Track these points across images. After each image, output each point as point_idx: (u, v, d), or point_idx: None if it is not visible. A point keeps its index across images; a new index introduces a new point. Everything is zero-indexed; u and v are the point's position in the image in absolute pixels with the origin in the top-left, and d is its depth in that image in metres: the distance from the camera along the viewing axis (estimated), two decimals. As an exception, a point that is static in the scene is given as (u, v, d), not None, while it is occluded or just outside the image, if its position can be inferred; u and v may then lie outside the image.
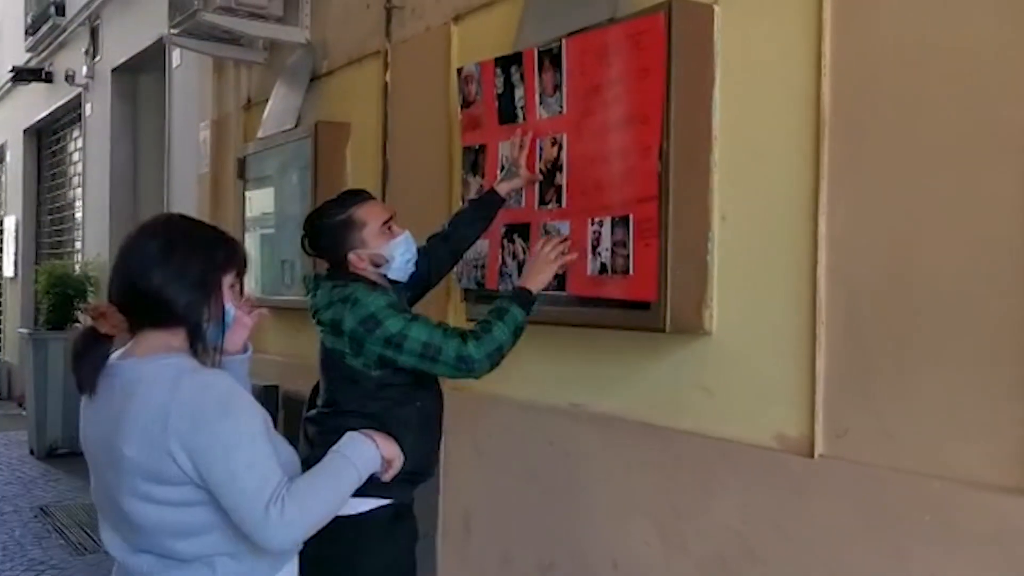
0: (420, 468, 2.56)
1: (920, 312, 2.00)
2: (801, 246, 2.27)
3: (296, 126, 4.61)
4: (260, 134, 4.96)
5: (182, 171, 6.55)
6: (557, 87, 2.83)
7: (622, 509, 2.74)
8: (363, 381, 2.55)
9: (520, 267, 2.95)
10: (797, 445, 2.27)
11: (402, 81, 3.98)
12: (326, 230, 2.61)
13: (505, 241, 3.02)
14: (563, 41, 2.79)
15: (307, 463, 2.33)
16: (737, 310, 2.45)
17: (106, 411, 1.80)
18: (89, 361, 1.81)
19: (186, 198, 6.29)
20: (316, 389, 2.76)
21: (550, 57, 2.84)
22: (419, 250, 2.73)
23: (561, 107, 2.82)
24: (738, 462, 2.40)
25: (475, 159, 3.20)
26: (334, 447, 1.97)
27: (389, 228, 2.62)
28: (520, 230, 2.96)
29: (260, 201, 5.09)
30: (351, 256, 2.61)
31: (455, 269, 3.10)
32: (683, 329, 2.47)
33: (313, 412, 2.70)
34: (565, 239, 2.69)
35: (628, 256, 2.53)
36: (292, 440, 2.10)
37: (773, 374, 2.34)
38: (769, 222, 2.37)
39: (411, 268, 2.69)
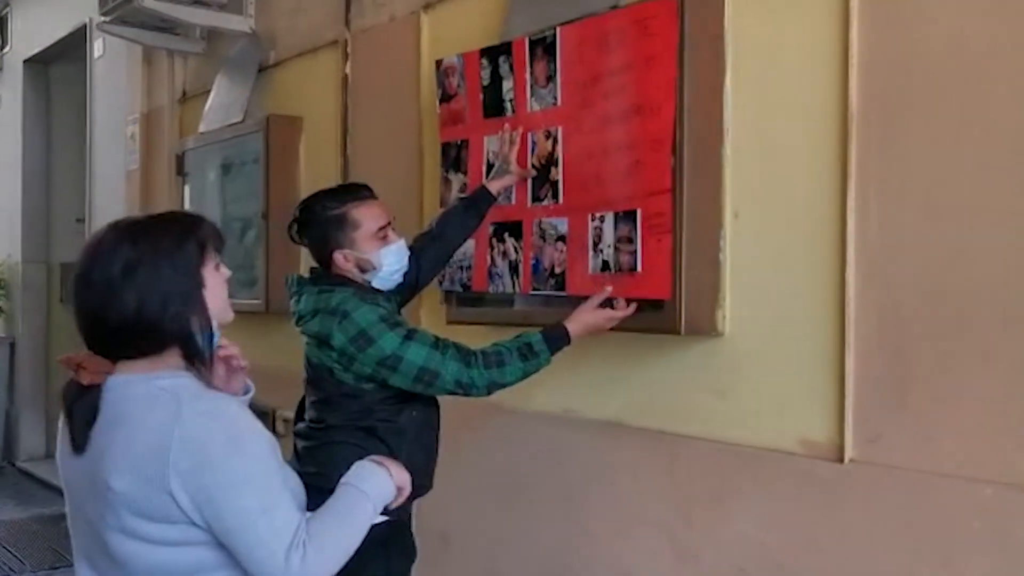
0: (417, 482, 2.39)
1: (967, 314, 1.93)
2: (826, 244, 2.18)
3: (243, 120, 4.38)
4: (202, 128, 4.71)
5: (106, 168, 6.21)
6: (551, 78, 2.70)
7: (626, 519, 2.63)
8: (354, 395, 2.39)
9: (512, 267, 2.82)
10: (824, 450, 2.18)
11: (364, 73, 3.80)
12: (317, 221, 2.44)
13: (494, 240, 2.87)
14: (558, 29, 2.66)
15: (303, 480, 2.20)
16: (752, 310, 2.36)
17: (90, 442, 1.60)
18: (80, 417, 1.58)
19: (112, 196, 5.96)
20: (303, 402, 2.58)
21: (543, 46, 2.71)
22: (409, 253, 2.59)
23: (555, 99, 2.69)
24: (757, 468, 2.31)
25: (456, 155, 3.05)
26: (344, 479, 1.75)
27: (384, 234, 2.47)
28: (511, 228, 2.82)
29: (202, 199, 4.84)
30: (337, 255, 2.45)
31: (436, 271, 2.94)
32: (697, 330, 2.37)
33: (302, 426, 2.52)
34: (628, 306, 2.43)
35: (635, 252, 2.42)
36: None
37: (794, 377, 2.26)
38: (788, 219, 2.28)
39: (398, 279, 2.55)
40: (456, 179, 3.05)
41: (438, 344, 2.32)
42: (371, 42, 3.75)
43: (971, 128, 1.93)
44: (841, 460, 2.14)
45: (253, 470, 1.54)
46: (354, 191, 2.50)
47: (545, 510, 2.90)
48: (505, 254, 2.84)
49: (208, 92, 4.76)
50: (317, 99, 4.09)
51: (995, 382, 1.89)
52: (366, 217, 2.44)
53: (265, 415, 4.38)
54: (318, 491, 2.32)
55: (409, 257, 2.57)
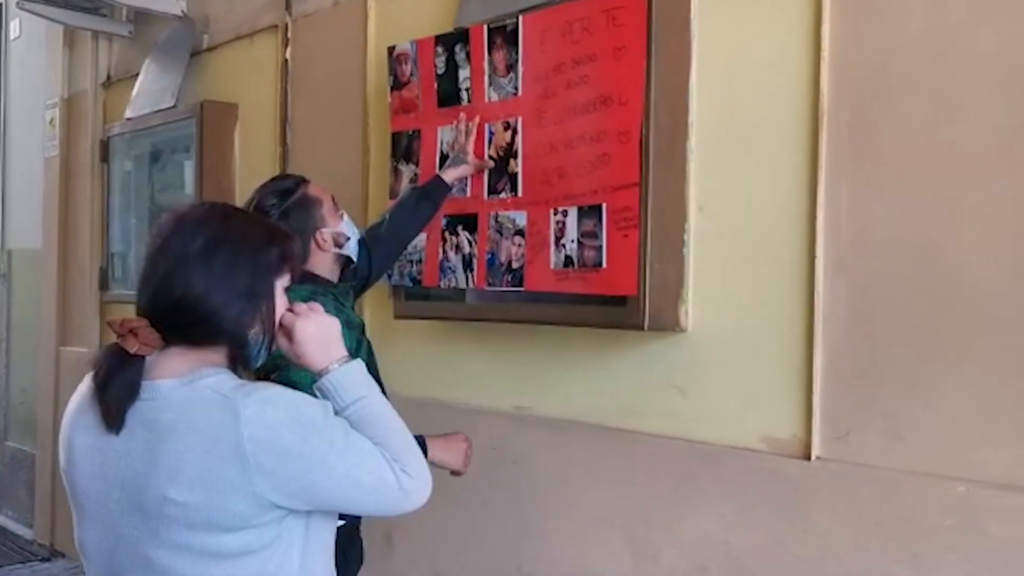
0: None
1: (939, 310, 1.93)
2: (796, 239, 2.16)
3: (175, 105, 4.21)
4: (129, 114, 4.52)
5: (22, 154, 5.96)
6: (511, 67, 2.63)
7: (582, 519, 2.58)
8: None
9: (465, 261, 2.74)
10: (790, 447, 2.16)
11: (305, 59, 3.68)
12: (292, 210, 2.30)
13: (447, 233, 2.80)
14: (519, 17, 2.60)
15: None
16: (716, 306, 2.33)
17: (127, 446, 1.47)
18: (119, 389, 1.46)
19: (29, 183, 5.72)
20: None
21: (503, 34, 2.65)
22: (359, 242, 2.50)
23: (516, 88, 2.62)
24: (721, 466, 2.28)
25: (408, 145, 2.97)
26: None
27: (338, 206, 2.39)
28: (465, 221, 2.75)
29: (128, 187, 4.65)
30: (318, 237, 2.34)
31: (386, 263, 2.85)
32: (661, 326, 2.33)
33: None
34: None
35: (600, 248, 2.37)
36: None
37: (759, 373, 2.24)
38: (755, 214, 2.26)
39: (356, 249, 2.46)
40: (407, 170, 2.96)
41: None
42: (313, 27, 3.63)
43: (946, 124, 1.93)
44: (808, 458, 2.12)
45: (328, 438, 1.48)
46: (288, 177, 2.44)
47: (496, 509, 2.84)
48: (458, 248, 2.77)
49: (135, 77, 4.58)
50: (254, 86, 3.95)
51: (967, 378, 1.89)
52: (320, 193, 2.35)
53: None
54: None
55: (360, 249, 2.48)
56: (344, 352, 1.61)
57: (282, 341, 1.58)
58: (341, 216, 2.37)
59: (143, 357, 1.47)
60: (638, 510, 2.44)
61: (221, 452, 1.41)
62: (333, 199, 2.39)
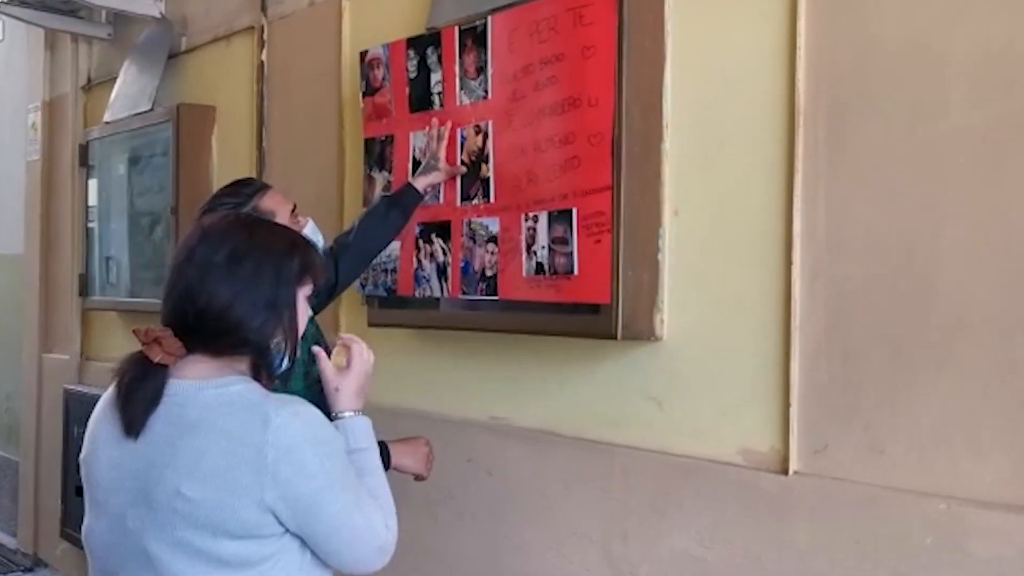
0: None
1: (920, 318, 1.85)
2: (771, 244, 2.09)
3: (152, 109, 4.14)
4: (107, 117, 4.45)
5: (4, 158, 5.89)
6: (481, 69, 2.56)
7: (558, 533, 2.50)
8: None
9: (439, 270, 2.67)
10: (767, 461, 2.09)
11: (281, 62, 3.61)
12: None
13: (421, 242, 2.72)
14: (489, 17, 2.53)
15: None
16: (692, 314, 2.26)
17: (147, 438, 1.49)
18: (142, 397, 1.48)
19: (11, 187, 5.66)
20: None
21: (473, 36, 2.57)
22: (326, 251, 2.43)
23: (486, 91, 2.55)
24: (698, 480, 2.20)
25: (381, 152, 2.89)
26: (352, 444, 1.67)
27: (297, 218, 2.32)
28: (439, 229, 2.67)
29: (108, 192, 4.58)
30: None
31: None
32: (635, 335, 2.26)
33: None
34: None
35: (571, 254, 2.30)
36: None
37: (736, 383, 2.16)
38: (730, 218, 2.18)
39: None
40: (380, 177, 2.89)
41: None
42: (289, 29, 3.56)
43: (926, 123, 1.85)
44: (786, 472, 2.04)
45: (342, 468, 1.54)
46: (248, 183, 2.36)
47: (471, 522, 2.76)
48: (432, 256, 2.69)
49: (115, 79, 4.50)
50: (232, 88, 3.88)
51: (949, 390, 1.81)
52: (276, 204, 2.28)
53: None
54: None
55: (327, 256, 2.41)
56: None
57: (338, 360, 1.68)
58: (300, 225, 2.30)
59: (166, 366, 1.50)
60: (616, 525, 2.36)
61: (242, 454, 1.44)
62: (294, 208, 2.33)
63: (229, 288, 1.51)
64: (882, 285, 1.91)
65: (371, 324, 2.93)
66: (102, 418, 1.57)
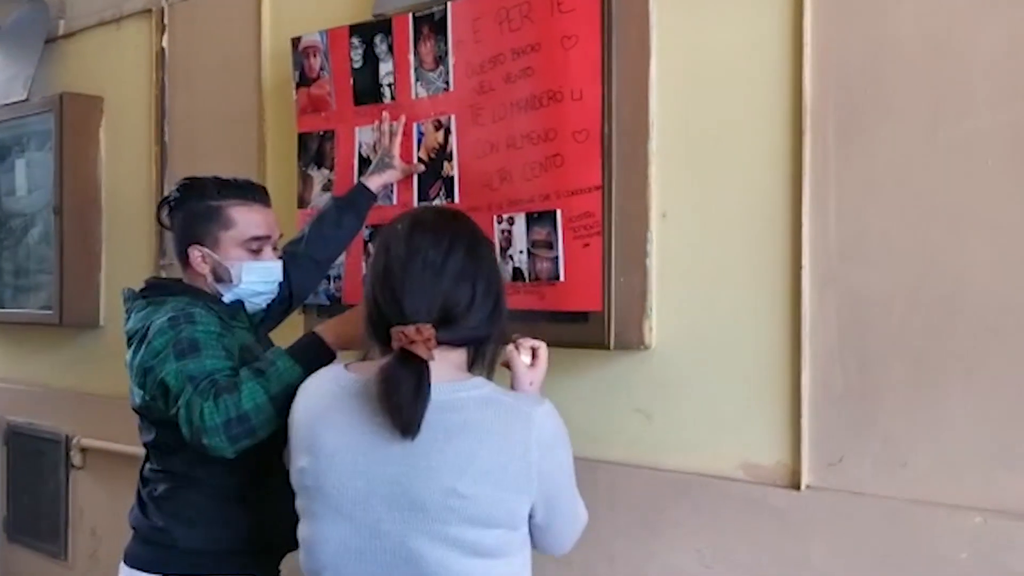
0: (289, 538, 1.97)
1: (944, 323, 1.78)
2: (777, 248, 1.99)
3: (27, 98, 3.74)
4: (-31, 108, 4.00)
5: None
6: (440, 59, 2.37)
7: (538, 557, 2.34)
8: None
9: (393, 274, 2.46)
10: (774, 475, 1.99)
11: (186, 48, 3.31)
12: (188, 207, 2.05)
13: (370, 246, 2.51)
14: (448, 4, 2.34)
15: (144, 534, 2.04)
16: (683, 321, 2.14)
17: (407, 444, 1.51)
18: (416, 397, 1.49)
19: None
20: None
21: (430, 23, 2.38)
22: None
23: (447, 83, 2.36)
24: (694, 496, 2.09)
25: (319, 147, 2.65)
26: None
27: (258, 247, 2.07)
28: (392, 230, 2.46)
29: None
30: (193, 252, 2.06)
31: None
32: (627, 345, 2.12)
33: (145, 469, 2.10)
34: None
35: (556, 259, 2.14)
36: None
37: (734, 394, 2.05)
38: (727, 220, 2.07)
39: (259, 304, 2.16)
40: (319, 175, 2.65)
41: (209, 374, 1.81)
42: (194, 13, 3.27)
43: (950, 126, 1.78)
44: (797, 486, 1.95)
45: (572, 458, 1.66)
46: (247, 189, 2.10)
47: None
48: (385, 259, 2.48)
49: (-24, 66, 4.05)
50: (123, 77, 3.55)
51: (980, 400, 1.74)
52: (244, 220, 2.04)
53: (57, 443, 3.79)
54: (162, 547, 1.96)
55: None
56: None
57: (526, 358, 1.75)
58: (251, 256, 2.05)
59: (427, 364, 1.51)
60: (602, 546, 2.22)
61: (511, 452, 1.52)
62: (265, 238, 2.08)
63: (472, 284, 1.57)
64: (903, 292, 1.83)
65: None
66: (326, 421, 1.58)
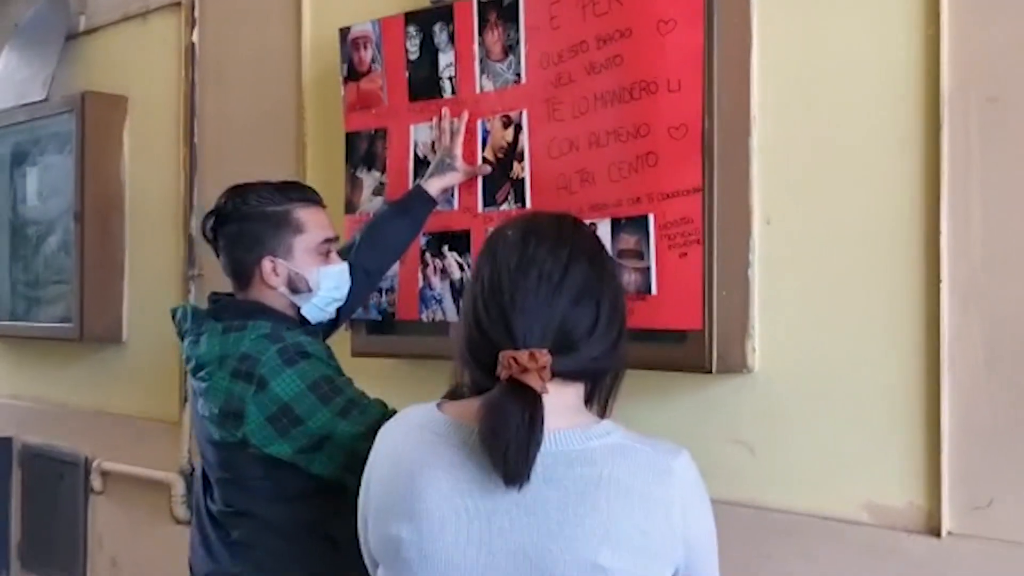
0: None
1: None
2: (907, 258, 1.74)
3: (47, 99, 3.52)
4: (-18, 109, 3.79)
5: None
6: (510, 49, 2.13)
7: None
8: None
9: (454, 288, 2.23)
10: (906, 519, 1.74)
11: (218, 43, 3.09)
12: (247, 216, 1.80)
13: (428, 255, 2.27)
14: (521, -13, 2.10)
15: None
16: (789, 342, 1.89)
17: (529, 504, 1.27)
18: (528, 436, 1.23)
19: None
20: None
21: (499, 10, 2.15)
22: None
23: (518, 75, 2.13)
24: (807, 539, 1.83)
25: (369, 148, 2.42)
26: None
27: (328, 250, 1.88)
28: (452, 240, 2.23)
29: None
30: (266, 263, 1.83)
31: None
32: (730, 368, 1.88)
33: (215, 509, 1.86)
34: None
35: (648, 270, 1.90)
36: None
37: (855, 425, 1.80)
38: (842, 228, 1.82)
39: (330, 314, 1.98)
40: (370, 178, 2.42)
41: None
42: (229, 4, 3.04)
43: None
44: (937, 532, 1.70)
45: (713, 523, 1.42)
46: (301, 189, 1.90)
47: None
48: (445, 272, 2.24)
49: (-7, 66, 3.85)
50: (149, 75, 3.33)
51: None
52: (313, 222, 1.83)
53: (76, 466, 3.57)
54: None
55: None
56: None
57: None
58: (327, 261, 1.88)
59: (541, 397, 1.26)
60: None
61: (654, 513, 1.29)
62: (334, 239, 1.92)
63: (595, 308, 1.33)
64: (1066, 308, 1.59)
65: (355, 354, 2.45)
66: (427, 482, 1.30)
